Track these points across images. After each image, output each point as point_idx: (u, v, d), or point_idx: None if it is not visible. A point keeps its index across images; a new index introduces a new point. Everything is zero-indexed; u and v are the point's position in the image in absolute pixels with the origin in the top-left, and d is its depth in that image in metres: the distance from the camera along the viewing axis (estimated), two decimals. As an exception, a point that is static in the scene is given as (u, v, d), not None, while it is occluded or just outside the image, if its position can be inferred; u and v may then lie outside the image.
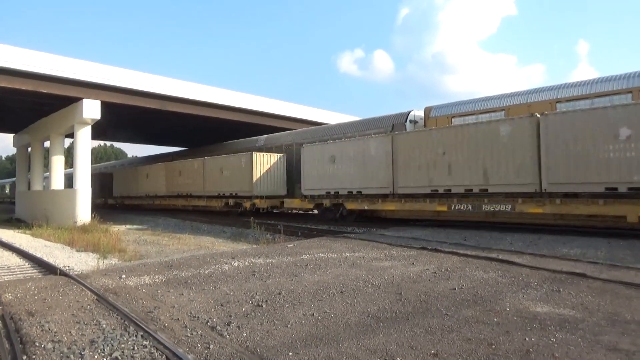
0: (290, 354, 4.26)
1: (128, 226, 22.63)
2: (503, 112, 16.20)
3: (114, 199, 38.89)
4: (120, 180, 38.44)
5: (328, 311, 5.60)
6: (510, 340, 4.41)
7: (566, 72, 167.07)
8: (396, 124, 19.94)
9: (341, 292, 6.57)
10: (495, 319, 5.08)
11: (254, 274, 7.98)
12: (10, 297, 6.67)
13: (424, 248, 10.33)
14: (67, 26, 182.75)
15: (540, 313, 5.26)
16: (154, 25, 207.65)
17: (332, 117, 32.46)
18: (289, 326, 5.07)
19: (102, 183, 38.13)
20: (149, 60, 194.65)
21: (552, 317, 5.09)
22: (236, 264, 9.01)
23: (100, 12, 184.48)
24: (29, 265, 11.09)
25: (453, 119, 17.77)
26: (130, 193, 35.56)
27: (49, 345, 4.60)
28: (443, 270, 7.92)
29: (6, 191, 71.50)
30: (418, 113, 19.98)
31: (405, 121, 19.75)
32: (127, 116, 26.81)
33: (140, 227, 22.37)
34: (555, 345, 4.27)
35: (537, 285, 6.63)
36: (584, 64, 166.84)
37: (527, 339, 4.44)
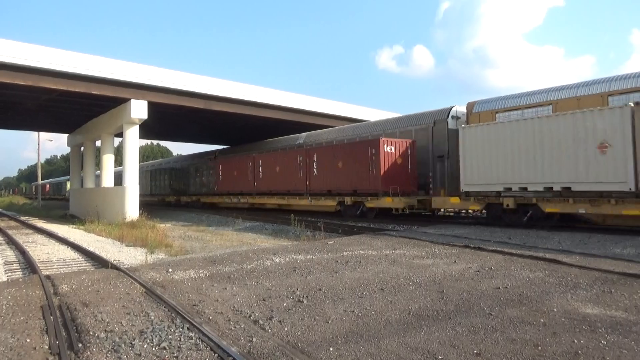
0: (331, 349, 4.30)
1: (173, 222, 23.36)
2: (550, 107, 15.59)
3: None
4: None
5: (368, 308, 5.60)
6: (558, 342, 4.28)
7: (618, 63, 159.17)
8: (437, 120, 19.57)
9: (382, 289, 6.55)
10: (542, 320, 4.93)
11: (295, 270, 8.08)
12: (66, 289, 7.05)
13: (466, 246, 10.13)
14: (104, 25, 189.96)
15: (590, 314, 5.07)
16: (189, 26, 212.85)
17: (371, 114, 32.20)
18: (329, 322, 5.11)
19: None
20: (191, 62, 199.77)
21: (603, 319, 4.89)
22: (277, 260, 9.15)
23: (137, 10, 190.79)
24: (83, 259, 11.69)
25: (497, 115, 17.27)
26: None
27: (102, 335, 4.85)
28: (486, 269, 7.75)
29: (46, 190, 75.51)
30: (460, 109, 19.52)
31: (447, 117, 19.34)
32: (172, 115, 27.65)
33: (185, 223, 23.05)
34: (606, 348, 4.11)
35: (587, 285, 6.38)
36: (639, 55, 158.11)
37: (575, 340, 4.29)
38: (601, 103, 13.93)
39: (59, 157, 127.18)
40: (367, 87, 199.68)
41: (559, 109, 14.88)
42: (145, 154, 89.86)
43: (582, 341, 4.28)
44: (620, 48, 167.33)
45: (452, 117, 19.30)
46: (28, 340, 4.76)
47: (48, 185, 77.18)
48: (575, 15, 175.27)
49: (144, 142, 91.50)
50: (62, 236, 16.24)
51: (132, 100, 22.43)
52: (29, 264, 10.65)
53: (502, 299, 5.86)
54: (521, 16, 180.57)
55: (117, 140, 30.24)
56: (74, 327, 5.16)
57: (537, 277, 6.99)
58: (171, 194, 36.10)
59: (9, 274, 9.85)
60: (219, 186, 29.10)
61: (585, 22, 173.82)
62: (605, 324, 4.75)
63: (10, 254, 12.77)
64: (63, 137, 37.69)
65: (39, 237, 17.03)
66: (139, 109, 22.59)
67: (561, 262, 8.01)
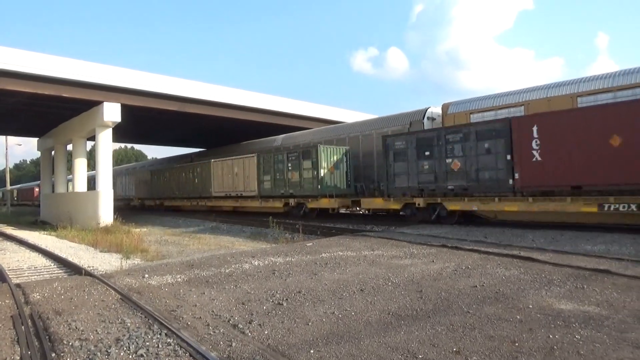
0: (312, 351, 4.29)
1: (149, 227, 22.97)
2: (522, 107, 15.95)
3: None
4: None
5: (348, 309, 5.61)
6: (534, 338, 4.36)
7: (585, 65, 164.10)
8: (414, 121, 19.80)
9: (361, 290, 6.57)
10: (518, 317, 5.03)
11: (274, 273, 8.03)
12: (38, 297, 6.85)
13: (444, 245, 10.26)
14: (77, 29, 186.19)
15: (564, 310, 5.19)
16: (163, 27, 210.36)
17: (348, 116, 32.37)
18: (309, 324, 5.10)
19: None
20: (164, 65, 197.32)
21: (577, 314, 5.01)
22: (256, 263, 9.08)
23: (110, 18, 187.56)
24: (55, 266, 11.37)
25: (471, 115, 17.58)
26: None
27: (77, 344, 4.72)
28: (464, 267, 7.86)
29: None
30: (436, 110, 19.81)
31: (423, 118, 19.60)
32: (147, 118, 27.22)
33: (161, 227, 22.68)
34: (580, 342, 4.21)
35: (561, 282, 6.54)
36: (604, 57, 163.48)
37: (551, 336, 4.39)
38: (571, 104, 14.33)
39: (28, 162, 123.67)
40: (342, 88, 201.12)
41: (531, 110, 15.25)
42: (119, 158, 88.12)
43: (557, 336, 4.37)
44: (587, 50, 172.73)
45: (428, 118, 19.56)
46: (-2, 351, 4.60)
47: (37, 189, 73.48)
48: (545, 18, 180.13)
49: (118, 145, 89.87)
50: (33, 243, 15.77)
51: (104, 103, 21.98)
52: (-2, 273, 10.30)
53: (479, 297, 5.95)
54: (492, 19, 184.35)
55: (89, 144, 29.55)
56: (47, 337, 5.01)
57: (513, 275, 7.13)
58: (336, 194, 19.53)
59: (-23, 283, 9.51)
60: (528, 172, 12.44)
61: (554, 24, 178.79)
62: (578, 319, 4.86)
63: (-23, 262, 12.33)
64: (32, 141, 36.55)
65: (9, 245, 16.49)
66: (112, 111, 22.15)
67: (535, 259, 8.19)
